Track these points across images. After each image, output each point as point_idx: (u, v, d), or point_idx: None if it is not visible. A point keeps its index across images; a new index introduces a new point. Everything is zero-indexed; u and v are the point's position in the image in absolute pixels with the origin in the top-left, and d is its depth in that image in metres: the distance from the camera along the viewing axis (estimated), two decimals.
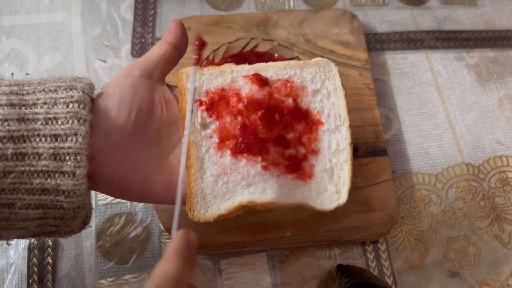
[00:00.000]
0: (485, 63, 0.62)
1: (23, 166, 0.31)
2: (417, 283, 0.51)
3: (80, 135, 0.32)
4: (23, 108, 0.31)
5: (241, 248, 0.49)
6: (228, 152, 0.37)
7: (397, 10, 0.64)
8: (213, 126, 0.38)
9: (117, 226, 0.51)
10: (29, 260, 0.49)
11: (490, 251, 0.53)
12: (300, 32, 0.59)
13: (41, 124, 0.31)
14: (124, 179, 0.35)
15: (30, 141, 0.31)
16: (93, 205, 0.51)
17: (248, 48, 0.51)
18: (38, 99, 0.32)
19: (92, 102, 0.34)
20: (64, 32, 0.59)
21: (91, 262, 0.49)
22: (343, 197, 0.37)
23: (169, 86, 0.40)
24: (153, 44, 0.59)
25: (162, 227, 0.50)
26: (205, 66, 0.49)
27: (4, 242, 0.49)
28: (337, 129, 0.39)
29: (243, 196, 0.36)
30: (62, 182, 0.31)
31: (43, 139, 0.31)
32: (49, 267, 0.49)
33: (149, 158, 0.36)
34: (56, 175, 0.31)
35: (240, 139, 0.37)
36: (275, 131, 0.38)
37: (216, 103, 0.38)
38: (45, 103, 0.32)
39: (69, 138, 0.31)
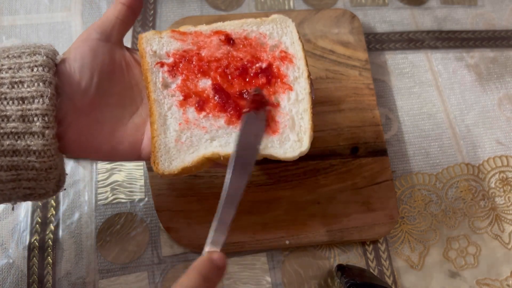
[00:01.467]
0: (485, 63, 0.62)
1: None
2: (417, 283, 0.51)
3: (47, 96, 0.33)
4: None
5: (241, 248, 0.49)
6: (191, 108, 0.38)
7: (397, 10, 0.64)
8: (174, 85, 0.39)
9: (117, 226, 0.51)
10: (29, 260, 0.49)
11: (490, 251, 0.53)
12: (300, 32, 0.59)
13: (7, 88, 0.32)
14: (91, 139, 0.37)
15: None
16: (93, 202, 0.51)
17: None
18: (2, 65, 0.33)
19: (55, 66, 0.35)
20: (64, 32, 0.59)
21: (91, 262, 0.49)
22: (305, 145, 0.37)
23: (128, 48, 0.41)
24: None
25: (162, 227, 0.50)
26: None
27: (5, 241, 0.49)
28: (296, 80, 0.40)
29: (207, 150, 0.37)
30: (32, 143, 0.32)
31: (10, 102, 0.32)
32: (49, 267, 0.49)
33: (113, 119, 0.38)
34: (26, 136, 0.32)
35: (203, 95, 0.38)
36: (237, 86, 0.39)
37: (177, 64, 0.40)
38: (10, 68, 0.33)
39: (36, 100, 0.32)
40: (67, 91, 0.35)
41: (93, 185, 0.52)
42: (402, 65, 0.61)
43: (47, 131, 0.33)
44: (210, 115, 0.38)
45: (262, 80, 0.39)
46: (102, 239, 0.50)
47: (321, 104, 0.56)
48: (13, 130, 0.32)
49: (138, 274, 0.49)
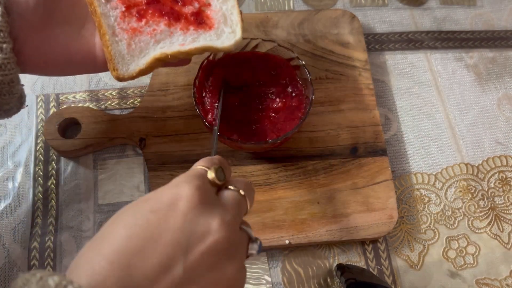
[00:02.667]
0: (484, 63, 0.62)
1: None
2: (417, 282, 0.51)
3: None
4: None
5: None
6: (134, 18, 0.42)
7: (396, 10, 0.64)
8: None
9: None
10: (29, 260, 0.49)
11: (489, 250, 0.53)
12: (300, 32, 0.59)
13: None
14: (47, 54, 0.39)
15: None
16: (93, 202, 0.51)
17: (248, 49, 0.52)
18: None
19: None
20: None
21: None
22: (238, 34, 0.42)
23: None
24: None
25: None
26: (205, 65, 0.49)
27: (5, 241, 0.49)
28: None
29: (156, 51, 0.41)
30: None
31: None
32: (49, 267, 0.49)
33: (64, 34, 0.40)
34: None
35: (142, 4, 0.42)
36: None
37: None
38: None
39: None
40: (17, 11, 0.37)
41: (93, 185, 0.52)
42: (402, 65, 0.61)
43: (4, 45, 0.35)
44: (151, 21, 0.42)
45: None
46: None
47: (321, 104, 0.56)
48: None
49: None
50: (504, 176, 0.56)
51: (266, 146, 0.49)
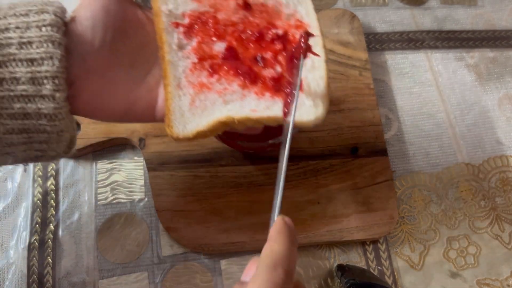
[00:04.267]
0: (485, 63, 0.62)
1: (2, 91, 0.31)
2: (417, 283, 0.51)
3: (56, 58, 0.31)
4: None
5: (241, 248, 0.49)
6: (205, 71, 0.37)
7: (397, 10, 0.64)
8: (189, 47, 0.38)
9: (117, 226, 0.51)
10: (29, 260, 0.49)
11: (490, 251, 0.53)
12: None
13: (16, 48, 0.31)
14: (105, 101, 0.36)
15: (7, 66, 0.31)
16: (93, 202, 0.51)
17: None
18: (10, 24, 0.32)
19: (65, 26, 0.33)
20: None
21: (91, 262, 0.49)
22: (320, 110, 0.37)
23: (139, 5, 0.40)
24: None
25: (162, 227, 0.50)
26: None
27: (5, 241, 0.49)
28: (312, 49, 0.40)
29: (221, 113, 0.36)
30: (43, 106, 0.31)
31: (19, 63, 0.31)
32: (49, 267, 0.49)
33: (127, 78, 0.36)
34: (36, 99, 0.31)
35: (218, 58, 0.38)
36: (252, 51, 0.39)
37: (193, 25, 0.39)
38: (18, 28, 0.32)
39: (45, 62, 0.31)
40: (79, 51, 0.33)
41: (93, 185, 0.52)
42: (402, 65, 0.61)
43: (57, 94, 0.31)
44: (224, 78, 0.37)
45: (278, 46, 0.39)
46: (102, 239, 0.50)
47: None
48: (23, 92, 0.31)
49: (138, 274, 0.49)
50: (505, 176, 0.56)
51: (266, 146, 0.48)
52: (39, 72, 0.31)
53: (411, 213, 0.54)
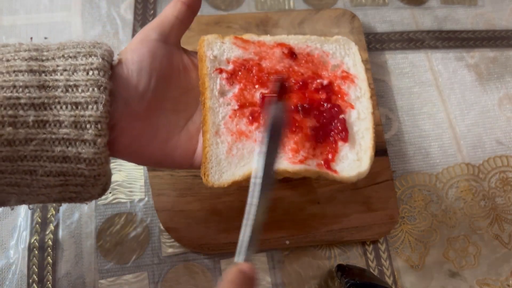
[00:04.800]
0: (485, 63, 0.62)
1: (44, 133, 0.31)
2: (417, 283, 0.51)
3: (101, 103, 0.31)
4: (43, 74, 0.31)
5: None
6: (245, 119, 0.37)
7: (397, 10, 0.64)
8: (231, 94, 0.38)
9: (117, 226, 0.51)
10: (29, 260, 0.49)
11: (490, 251, 0.53)
12: (300, 32, 0.59)
13: (62, 91, 0.31)
14: (144, 146, 0.35)
15: (51, 109, 0.31)
16: (93, 202, 0.51)
17: None
18: (58, 66, 0.32)
19: (111, 69, 0.33)
20: (64, 32, 0.59)
21: (91, 262, 0.49)
22: (364, 165, 0.35)
23: (185, 50, 0.40)
24: None
25: (162, 227, 0.50)
26: None
27: (5, 241, 0.49)
28: (358, 100, 0.39)
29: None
30: (83, 151, 0.31)
31: (63, 106, 0.31)
32: (49, 267, 0.49)
33: (168, 124, 0.36)
34: (77, 143, 0.31)
35: (259, 105, 0.37)
36: (295, 100, 0.38)
37: (236, 72, 0.39)
38: (65, 70, 0.32)
39: (90, 106, 0.31)
40: (123, 95, 0.34)
41: None
42: (402, 65, 0.61)
43: (99, 140, 0.32)
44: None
45: (322, 95, 0.38)
46: (102, 239, 0.50)
47: None
48: (65, 136, 0.31)
49: (138, 274, 0.49)
50: (505, 176, 0.56)
51: None
52: (82, 116, 0.31)
53: (411, 213, 0.54)
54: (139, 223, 0.51)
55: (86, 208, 0.51)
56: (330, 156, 0.36)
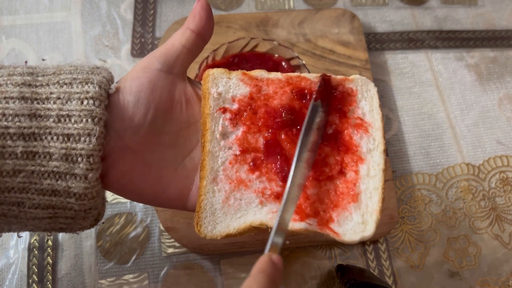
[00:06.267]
0: (485, 63, 0.62)
1: (33, 165, 0.29)
2: (417, 283, 0.51)
3: (94, 135, 0.30)
4: (35, 102, 0.30)
5: (241, 248, 0.49)
6: (246, 166, 0.34)
7: (397, 10, 0.64)
8: (234, 137, 0.35)
9: (117, 226, 0.51)
10: (29, 260, 0.49)
11: (490, 251, 0.53)
12: (300, 31, 0.59)
13: (53, 121, 0.30)
14: (135, 182, 0.33)
15: (42, 140, 0.29)
16: None
17: (248, 48, 0.51)
18: (51, 93, 0.30)
19: (108, 97, 0.32)
20: (64, 32, 0.59)
21: (91, 262, 0.49)
22: (369, 229, 0.32)
23: (190, 80, 0.37)
24: (153, 44, 0.59)
25: (162, 227, 0.50)
26: (205, 68, 0.49)
27: (5, 241, 0.49)
28: (370, 153, 0.34)
29: (255, 216, 0.33)
30: (73, 185, 0.30)
31: (54, 137, 0.30)
32: (49, 267, 0.49)
33: (163, 161, 0.34)
34: (67, 177, 0.30)
35: (262, 151, 0.34)
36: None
37: (242, 112, 0.35)
38: (59, 98, 0.30)
39: (82, 139, 0.30)
40: (117, 127, 0.32)
41: None
42: (402, 65, 0.61)
43: (90, 174, 0.30)
44: (265, 177, 0.34)
45: (330, 147, 0.34)
46: (102, 239, 0.50)
47: None
48: (54, 169, 0.29)
49: (138, 274, 0.49)
50: (505, 176, 0.56)
51: None
52: (74, 149, 0.30)
53: (411, 213, 0.54)
54: (139, 223, 0.51)
55: None
56: (333, 215, 0.33)
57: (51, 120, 0.30)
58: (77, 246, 0.50)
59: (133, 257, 0.50)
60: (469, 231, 0.53)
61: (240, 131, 0.35)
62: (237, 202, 0.33)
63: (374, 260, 0.51)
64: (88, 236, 0.50)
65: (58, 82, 0.31)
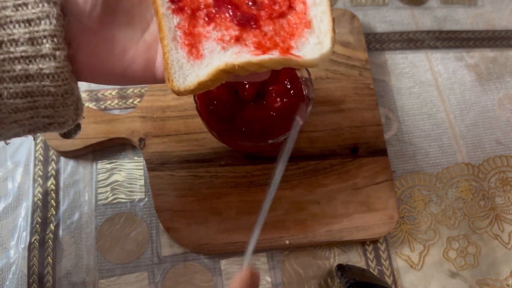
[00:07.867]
0: (485, 63, 0.62)
1: (1, 54, 0.31)
2: (417, 283, 0.51)
3: (53, 16, 0.31)
4: None
5: (241, 248, 0.49)
6: (201, 21, 0.36)
7: (397, 10, 0.64)
8: None
9: (117, 226, 0.51)
10: (29, 260, 0.49)
11: (490, 251, 0.53)
12: None
13: (11, 11, 0.31)
14: (103, 60, 0.35)
15: (4, 29, 0.31)
16: (93, 202, 0.51)
17: None
18: None
19: None
20: None
21: (91, 262, 0.49)
22: (326, 46, 0.34)
23: None
24: None
25: (162, 227, 0.50)
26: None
27: (5, 241, 0.49)
28: None
29: (220, 60, 0.35)
30: (44, 66, 0.31)
31: (16, 25, 0.31)
32: (49, 267, 0.49)
33: (124, 37, 0.36)
34: (37, 59, 0.31)
35: (212, 6, 0.36)
36: None
37: None
38: None
39: (43, 21, 0.31)
40: (74, 11, 0.33)
41: (93, 185, 0.52)
42: (402, 65, 0.61)
43: (57, 52, 0.32)
44: (221, 26, 0.36)
45: None
46: (102, 239, 0.50)
47: (321, 104, 0.56)
48: (23, 54, 0.31)
49: (138, 274, 0.49)
50: (504, 176, 0.56)
51: (266, 146, 0.48)
52: (37, 31, 0.31)
53: (411, 213, 0.54)
54: (139, 223, 0.51)
55: (86, 208, 0.51)
56: (292, 43, 0.35)
57: (9, 10, 0.31)
58: (77, 246, 0.50)
59: (133, 257, 0.50)
60: (468, 231, 0.53)
61: None
62: (201, 52, 0.36)
63: (374, 260, 0.52)
64: (88, 236, 0.50)
65: None
